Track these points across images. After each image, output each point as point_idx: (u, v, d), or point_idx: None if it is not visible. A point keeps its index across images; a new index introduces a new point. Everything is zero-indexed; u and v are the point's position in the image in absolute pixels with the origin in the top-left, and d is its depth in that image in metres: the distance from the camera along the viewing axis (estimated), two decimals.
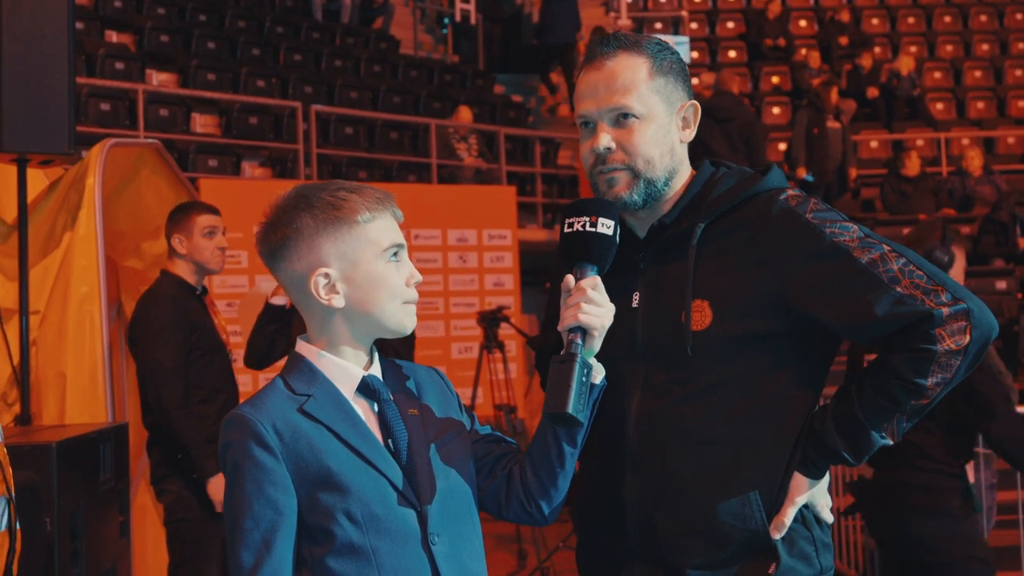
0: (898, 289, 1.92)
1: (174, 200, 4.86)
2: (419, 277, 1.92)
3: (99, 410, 4.01)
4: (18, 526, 2.02)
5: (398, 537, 1.82)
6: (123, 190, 4.78)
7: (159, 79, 10.78)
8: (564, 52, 14.14)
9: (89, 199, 4.14)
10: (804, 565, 2.00)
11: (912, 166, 11.77)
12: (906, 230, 10.92)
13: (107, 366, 4.07)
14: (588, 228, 1.93)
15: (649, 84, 2.04)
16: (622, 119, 2.03)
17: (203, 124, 10.54)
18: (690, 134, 2.11)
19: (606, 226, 1.93)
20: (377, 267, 1.87)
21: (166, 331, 4.28)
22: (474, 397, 7.46)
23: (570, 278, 1.91)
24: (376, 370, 1.94)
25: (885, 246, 1.97)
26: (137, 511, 4.81)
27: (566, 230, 1.96)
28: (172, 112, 10.13)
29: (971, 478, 5.43)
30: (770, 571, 1.95)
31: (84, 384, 4.02)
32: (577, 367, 1.84)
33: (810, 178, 11.27)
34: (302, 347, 1.93)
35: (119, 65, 10.25)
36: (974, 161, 11.88)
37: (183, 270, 4.47)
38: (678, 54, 2.11)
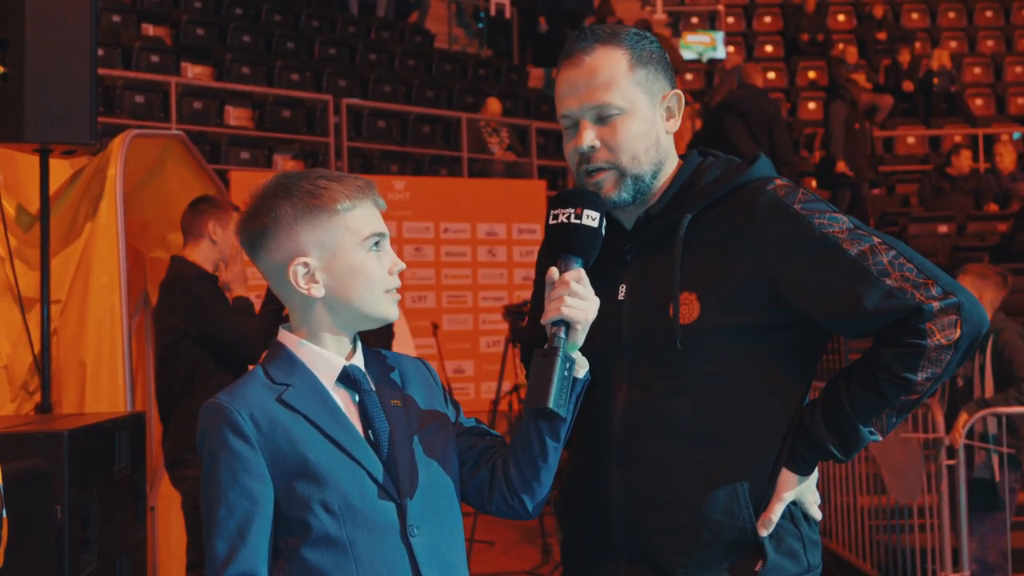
0: (888, 282, 1.87)
1: (200, 191, 4.88)
2: (402, 265, 1.90)
3: (118, 399, 4.03)
4: (4, 514, 2.02)
5: (376, 529, 1.79)
6: (149, 181, 4.81)
7: (194, 72, 10.87)
8: (576, 22, 13.88)
9: (110, 189, 4.15)
10: (791, 562, 1.95)
11: (960, 165, 11.61)
12: (941, 227, 10.82)
13: (127, 356, 4.09)
14: (573, 220, 1.89)
15: (630, 77, 1.99)
16: (605, 115, 1.98)
17: (236, 117, 10.61)
18: (675, 124, 2.06)
19: (591, 218, 1.90)
20: (357, 256, 1.85)
21: (216, 301, 4.36)
22: (499, 391, 7.45)
23: (554, 271, 1.88)
24: (359, 360, 1.91)
25: (875, 238, 1.91)
26: (163, 501, 4.84)
27: (551, 222, 1.92)
28: (206, 105, 10.23)
29: (996, 476, 5.39)
30: (756, 568, 1.92)
31: (104, 373, 4.05)
32: (559, 361, 1.81)
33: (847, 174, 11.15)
34: (283, 336, 1.92)
35: (154, 58, 10.36)
36: (1004, 158, 11.72)
37: (202, 257, 4.49)
38: (657, 43, 2.06)
